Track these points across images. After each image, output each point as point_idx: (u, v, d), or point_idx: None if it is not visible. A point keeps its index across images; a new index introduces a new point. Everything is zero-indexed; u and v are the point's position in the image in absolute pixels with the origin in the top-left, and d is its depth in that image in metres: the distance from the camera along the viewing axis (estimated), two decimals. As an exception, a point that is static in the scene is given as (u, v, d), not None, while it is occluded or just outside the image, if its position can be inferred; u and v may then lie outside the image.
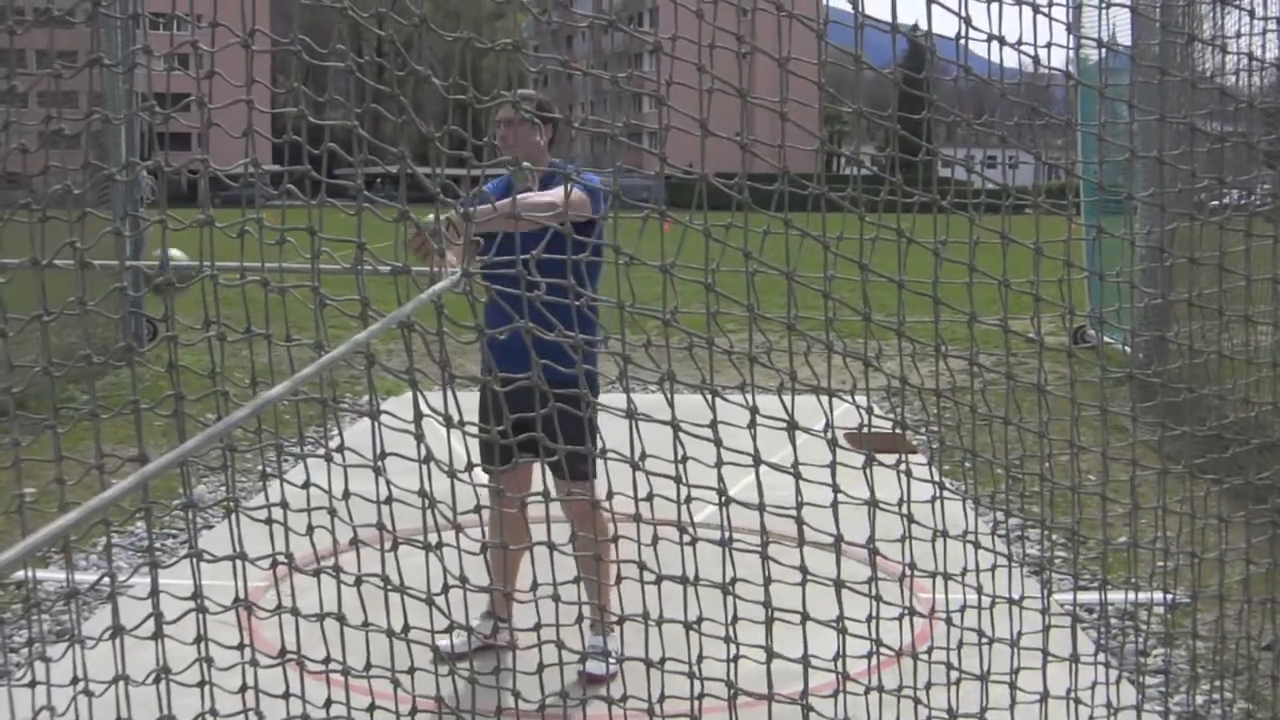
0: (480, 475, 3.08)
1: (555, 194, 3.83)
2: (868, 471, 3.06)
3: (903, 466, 3.11)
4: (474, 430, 2.99)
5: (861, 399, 3.08)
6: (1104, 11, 3.20)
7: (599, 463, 3.04)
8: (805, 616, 3.06)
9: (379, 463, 2.92)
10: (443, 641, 3.24)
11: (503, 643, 3.98)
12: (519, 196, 2.92)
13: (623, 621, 3.08)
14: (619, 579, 3.16)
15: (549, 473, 3.29)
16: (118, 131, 8.95)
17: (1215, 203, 4.25)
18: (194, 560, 3.11)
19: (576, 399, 2.91)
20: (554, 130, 4.56)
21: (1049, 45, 3.19)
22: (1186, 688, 4.08)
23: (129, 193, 7.52)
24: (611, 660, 4.13)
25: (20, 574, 4.47)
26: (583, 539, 3.46)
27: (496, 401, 2.98)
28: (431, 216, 2.90)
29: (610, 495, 3.04)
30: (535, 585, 3.07)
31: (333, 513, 2.99)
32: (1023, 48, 3.13)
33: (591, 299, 3.06)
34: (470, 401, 2.97)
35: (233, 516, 3.13)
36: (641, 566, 3.04)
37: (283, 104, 3.00)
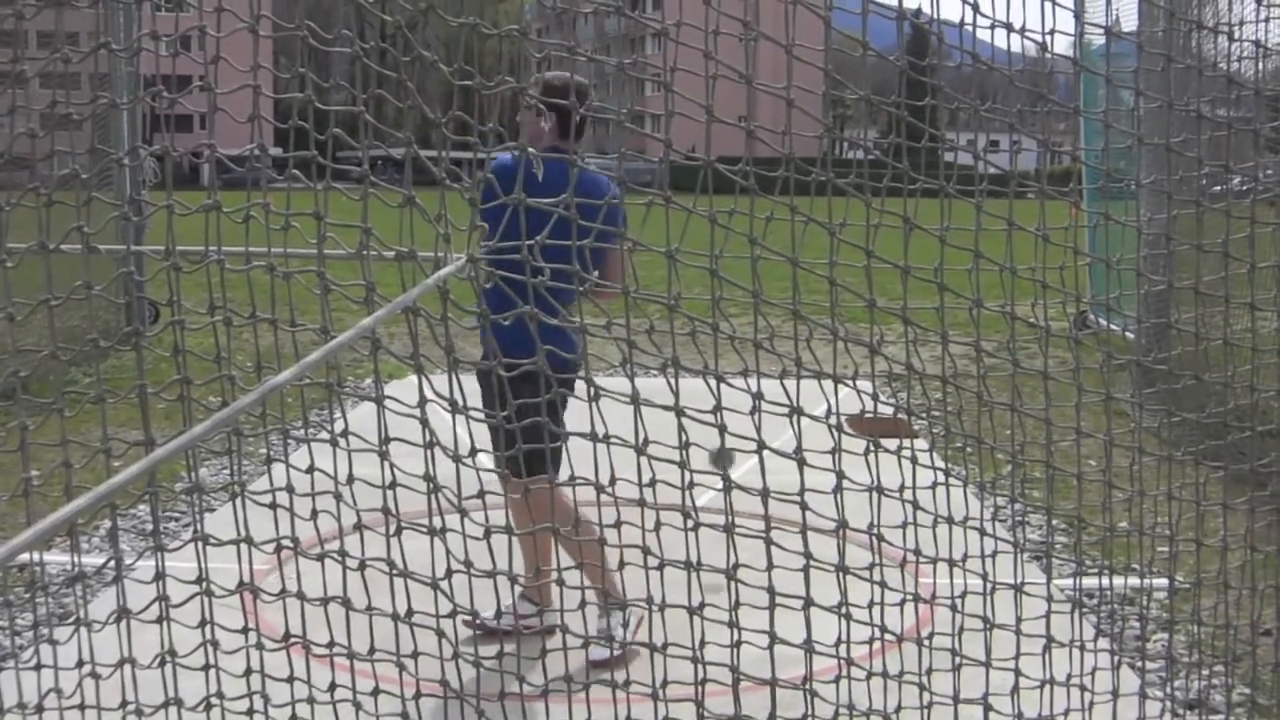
0: (485, 460, 3.08)
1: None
2: (870, 457, 3.06)
3: (906, 452, 3.11)
4: (480, 415, 3.00)
5: (864, 384, 3.08)
6: (1109, -3, 3.19)
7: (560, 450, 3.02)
8: (808, 602, 3.07)
9: (383, 447, 2.93)
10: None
11: (542, 626, 3.98)
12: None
13: (625, 607, 3.09)
14: (621, 563, 3.16)
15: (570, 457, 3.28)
16: (120, 114, 8.96)
17: (1218, 188, 4.25)
18: (199, 544, 3.12)
19: (531, 385, 2.91)
20: (566, 117, 4.31)
21: (1053, 32, 3.18)
22: (1187, 673, 4.09)
23: (133, 176, 7.51)
24: (615, 645, 4.13)
25: (24, 556, 4.48)
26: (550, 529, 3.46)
27: (500, 388, 2.98)
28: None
29: (654, 484, 3.01)
30: (539, 571, 3.08)
31: (338, 497, 3.00)
32: (1028, 34, 3.13)
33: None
34: (472, 385, 2.98)
35: (237, 500, 3.13)
36: (645, 551, 3.05)
37: (286, 87, 3.00)
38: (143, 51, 3.01)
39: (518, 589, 4.27)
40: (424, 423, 2.87)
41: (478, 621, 3.99)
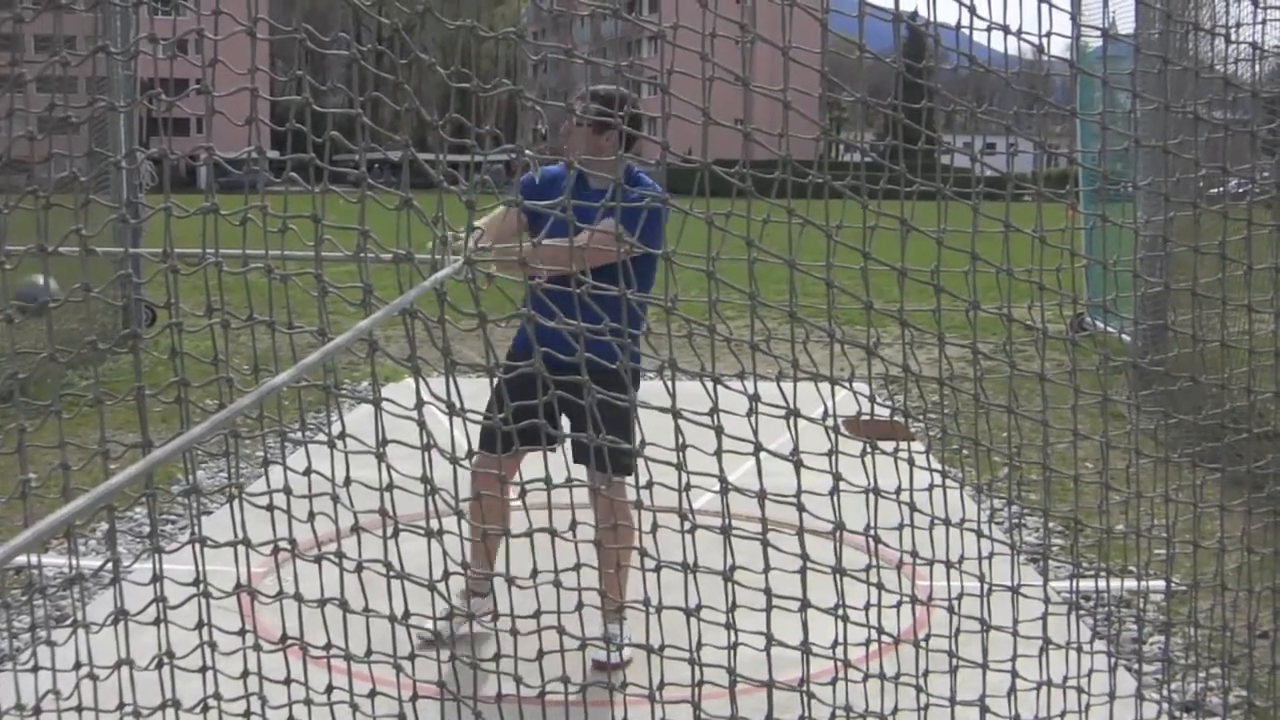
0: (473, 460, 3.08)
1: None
2: (866, 459, 3.07)
3: (903, 454, 3.12)
4: (478, 416, 3.00)
5: (861, 386, 3.09)
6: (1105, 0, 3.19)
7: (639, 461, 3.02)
8: (805, 603, 3.07)
9: (381, 449, 2.93)
10: (441, 624, 3.26)
11: (484, 613, 3.95)
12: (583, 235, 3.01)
13: (623, 609, 3.09)
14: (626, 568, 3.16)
15: (568, 458, 3.27)
16: (117, 117, 8.95)
17: (1215, 190, 4.25)
18: (197, 546, 3.12)
19: (620, 389, 2.93)
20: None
21: (1049, 34, 3.19)
22: (1184, 675, 4.10)
23: (130, 179, 7.53)
24: (615, 649, 4.12)
25: (22, 559, 4.48)
26: (606, 531, 3.48)
27: (514, 386, 2.99)
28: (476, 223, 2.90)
29: (650, 486, 3.01)
30: (535, 572, 3.08)
31: (335, 499, 3.00)
32: (1024, 36, 3.13)
33: (642, 297, 3.09)
34: (470, 388, 2.98)
35: (235, 502, 3.14)
36: (643, 553, 3.05)
37: (283, 90, 3.01)
38: (140, 55, 3.01)
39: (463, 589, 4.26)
40: (421, 425, 2.88)
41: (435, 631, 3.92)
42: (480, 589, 4.36)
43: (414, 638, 3.21)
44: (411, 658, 3.03)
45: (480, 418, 3.03)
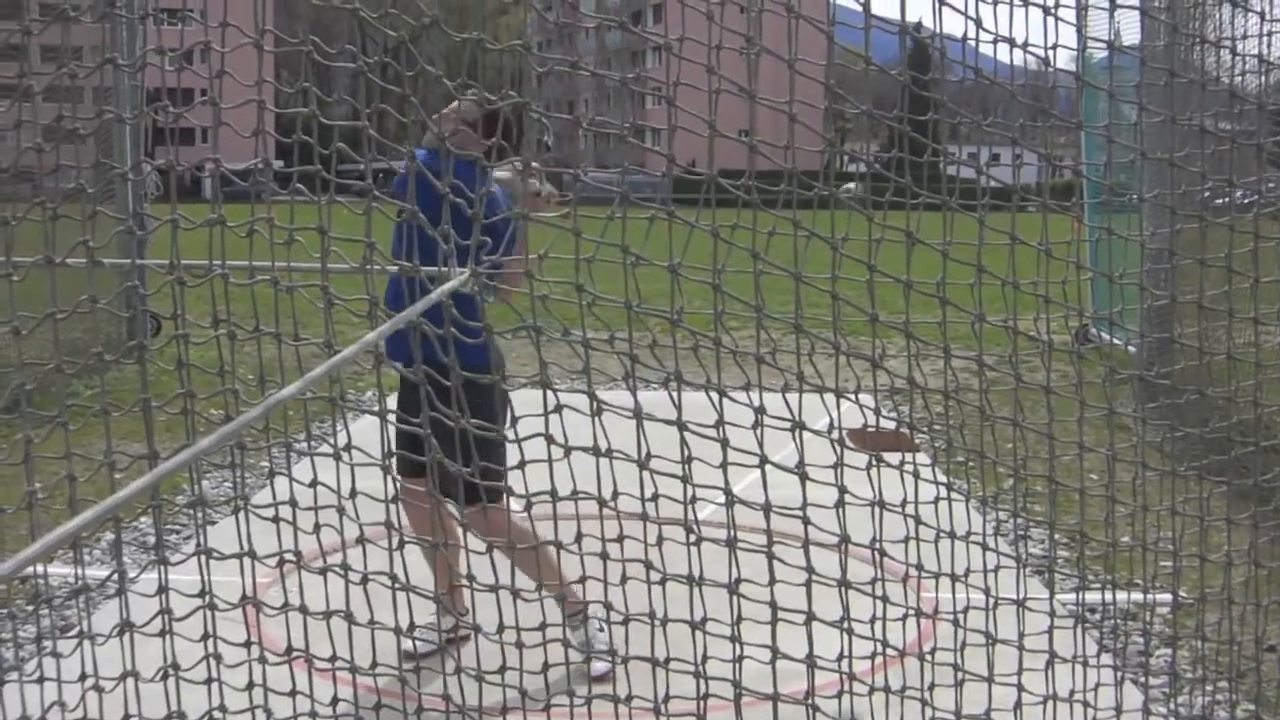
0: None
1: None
2: (872, 472, 3.06)
3: (908, 466, 3.11)
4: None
5: (866, 398, 3.08)
6: (1111, 13, 3.19)
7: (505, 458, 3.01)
8: (810, 616, 3.07)
9: (386, 461, 2.93)
10: (405, 644, 3.25)
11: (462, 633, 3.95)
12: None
13: (628, 622, 3.09)
14: (584, 577, 3.13)
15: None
16: (123, 128, 8.97)
17: (1220, 201, 4.25)
18: (202, 557, 3.12)
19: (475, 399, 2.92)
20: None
21: (1055, 46, 3.19)
22: (1191, 689, 4.09)
23: (136, 190, 7.55)
24: (611, 656, 4.05)
25: (28, 569, 4.48)
26: (502, 549, 3.44)
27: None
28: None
29: (656, 499, 2.99)
30: (540, 585, 3.08)
31: (340, 510, 3.00)
32: (1030, 48, 3.13)
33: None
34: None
35: (240, 514, 3.13)
36: (648, 566, 3.05)
37: (287, 101, 3.01)
38: (147, 66, 3.01)
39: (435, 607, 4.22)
40: (427, 437, 2.88)
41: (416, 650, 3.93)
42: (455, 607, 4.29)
43: (416, 646, 3.21)
44: (417, 670, 3.03)
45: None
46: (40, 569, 4.13)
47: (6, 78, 3.00)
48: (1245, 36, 3.90)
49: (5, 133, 2.91)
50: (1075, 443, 3.36)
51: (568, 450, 2.98)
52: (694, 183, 2.94)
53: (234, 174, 3.05)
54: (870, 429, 3.12)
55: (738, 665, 3.05)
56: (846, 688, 3.13)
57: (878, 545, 3.06)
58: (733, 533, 2.99)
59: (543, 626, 3.09)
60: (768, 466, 2.96)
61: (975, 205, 3.17)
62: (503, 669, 3.06)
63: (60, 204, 2.94)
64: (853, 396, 3.06)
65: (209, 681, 3.21)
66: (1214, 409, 3.86)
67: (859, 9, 2.94)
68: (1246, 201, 3.91)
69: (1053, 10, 3.12)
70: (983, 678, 3.25)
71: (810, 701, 3.10)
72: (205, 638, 3.18)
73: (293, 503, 3.10)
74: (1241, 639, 3.72)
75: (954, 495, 3.21)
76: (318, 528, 3.10)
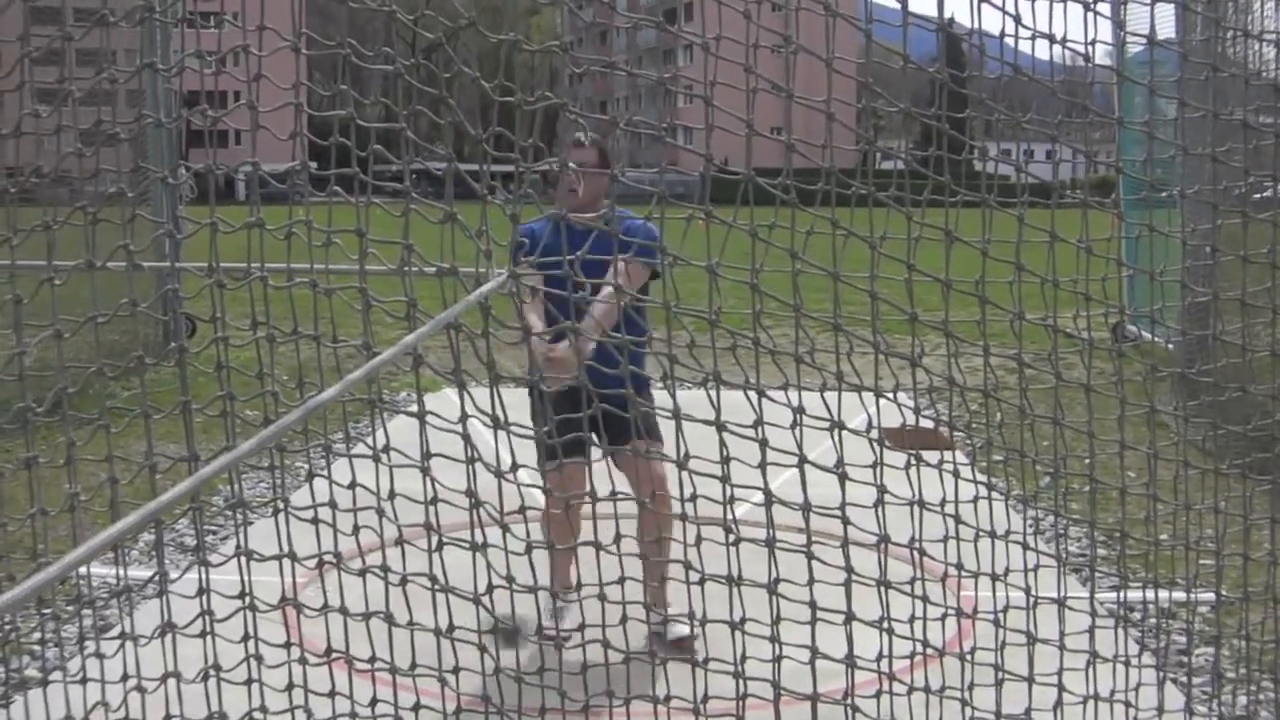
0: (526, 475, 3.08)
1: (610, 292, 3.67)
2: (911, 471, 3.05)
3: (947, 465, 3.10)
4: (528, 431, 3.01)
5: (905, 397, 3.07)
6: (1152, 6, 3.16)
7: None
8: (849, 616, 3.05)
9: (425, 462, 2.94)
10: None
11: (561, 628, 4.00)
12: (596, 311, 3.25)
13: (667, 621, 3.08)
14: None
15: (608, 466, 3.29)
16: (158, 132, 9.03)
17: (1258, 196, 4.20)
18: (243, 559, 3.13)
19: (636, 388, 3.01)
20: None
21: (1093, 42, 3.16)
22: (1234, 688, 4.05)
23: (172, 193, 7.60)
24: (684, 622, 3.98)
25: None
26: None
27: (559, 399, 3.02)
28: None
29: (695, 499, 3.01)
30: (579, 585, 3.08)
31: (379, 511, 3.01)
32: (1069, 44, 3.11)
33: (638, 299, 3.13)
34: (513, 398, 2.98)
35: (279, 515, 3.15)
36: (687, 566, 3.05)
37: (323, 104, 3.02)
38: (185, 70, 3.03)
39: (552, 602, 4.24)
40: (465, 438, 2.88)
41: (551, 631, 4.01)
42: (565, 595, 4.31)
43: (498, 622, 3.25)
44: (456, 671, 3.03)
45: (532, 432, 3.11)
46: (82, 570, 4.16)
47: (46, 83, 3.02)
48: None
49: (45, 137, 2.93)
50: (1115, 440, 3.33)
51: (606, 451, 2.99)
52: (730, 182, 2.93)
53: (273, 177, 3.07)
54: (909, 428, 3.10)
55: (776, 665, 3.04)
56: (885, 687, 3.11)
57: (917, 544, 3.05)
58: (772, 532, 2.98)
59: (582, 627, 3.09)
60: (806, 466, 2.95)
61: (1014, 202, 3.15)
62: (541, 670, 3.06)
63: (100, 208, 2.96)
64: (891, 395, 3.04)
65: (249, 682, 3.23)
66: (1256, 406, 3.81)
67: (891, 5, 2.92)
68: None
69: (1091, 5, 3.09)
70: (1022, 677, 3.23)
71: (849, 701, 3.09)
72: (246, 639, 3.20)
73: (332, 504, 3.11)
74: (1285, 638, 3.68)
75: (993, 494, 3.19)
76: (356, 529, 3.11)
